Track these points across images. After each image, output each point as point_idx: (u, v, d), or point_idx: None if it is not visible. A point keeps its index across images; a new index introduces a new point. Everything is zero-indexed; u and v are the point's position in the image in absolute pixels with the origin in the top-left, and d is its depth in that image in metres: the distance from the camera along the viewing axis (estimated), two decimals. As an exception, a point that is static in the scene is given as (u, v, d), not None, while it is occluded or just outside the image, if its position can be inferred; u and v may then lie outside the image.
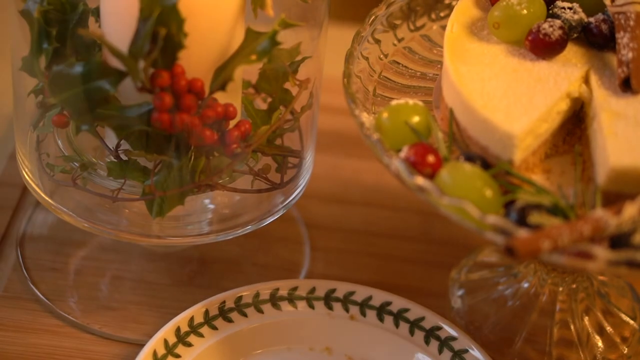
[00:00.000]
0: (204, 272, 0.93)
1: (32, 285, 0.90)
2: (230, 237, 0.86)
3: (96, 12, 0.82)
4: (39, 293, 0.90)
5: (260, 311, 0.86)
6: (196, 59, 0.77)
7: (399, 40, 0.91)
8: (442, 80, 0.85)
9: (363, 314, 0.87)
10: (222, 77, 0.78)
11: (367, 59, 0.87)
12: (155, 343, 0.82)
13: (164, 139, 0.78)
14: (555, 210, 0.73)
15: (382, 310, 0.88)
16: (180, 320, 0.84)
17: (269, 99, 0.86)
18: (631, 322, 0.92)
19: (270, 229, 0.93)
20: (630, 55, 0.79)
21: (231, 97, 0.81)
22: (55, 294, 0.90)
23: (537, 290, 0.90)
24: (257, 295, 0.87)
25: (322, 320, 0.87)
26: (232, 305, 0.86)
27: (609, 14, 0.84)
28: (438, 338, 0.86)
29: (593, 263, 0.68)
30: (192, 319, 0.84)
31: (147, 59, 0.75)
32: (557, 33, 0.82)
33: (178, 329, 0.84)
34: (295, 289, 0.88)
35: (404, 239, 1.00)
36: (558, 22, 0.82)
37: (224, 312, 0.86)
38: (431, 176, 0.74)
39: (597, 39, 0.84)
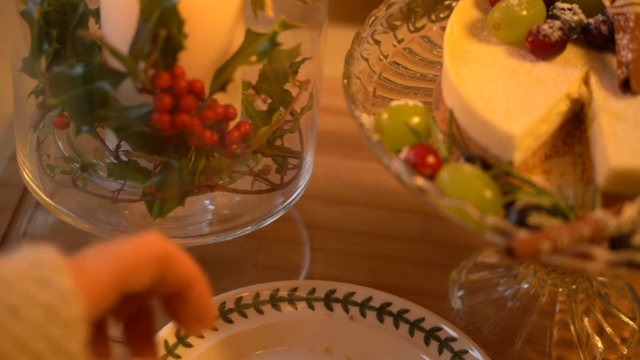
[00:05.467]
0: (203, 273, 0.93)
1: (32, 286, 0.90)
2: (230, 238, 0.86)
3: (96, 13, 0.82)
4: (39, 294, 0.90)
5: (260, 312, 0.86)
6: (196, 60, 0.77)
7: (399, 41, 0.91)
8: (442, 81, 0.85)
9: (363, 314, 0.88)
10: (222, 78, 0.78)
11: (367, 60, 0.87)
12: (155, 344, 0.82)
13: (164, 140, 0.78)
14: (555, 211, 0.73)
15: (382, 311, 0.88)
16: (181, 321, 0.84)
17: (269, 100, 0.86)
18: (631, 323, 0.92)
19: (270, 230, 0.93)
20: (629, 56, 0.80)
21: (231, 98, 0.81)
22: (56, 294, 0.90)
23: (537, 291, 0.90)
24: (257, 296, 0.87)
25: (322, 321, 0.87)
26: (232, 306, 0.86)
27: (609, 15, 0.84)
28: (438, 339, 0.86)
29: (593, 264, 0.68)
30: (192, 320, 0.84)
31: (148, 60, 0.75)
32: (557, 34, 0.82)
33: (178, 330, 0.84)
34: (295, 289, 0.88)
35: (404, 239, 1.00)
36: (558, 23, 0.82)
37: (224, 313, 0.86)
38: (431, 177, 0.74)
39: (597, 40, 0.84)
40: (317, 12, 0.85)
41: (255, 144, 0.82)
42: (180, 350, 0.83)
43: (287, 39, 0.79)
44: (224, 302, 0.86)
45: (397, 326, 0.87)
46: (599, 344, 0.90)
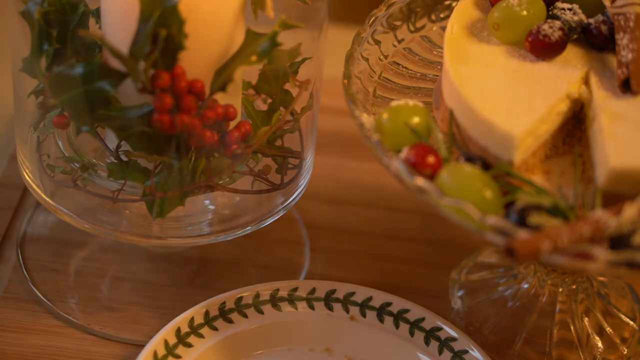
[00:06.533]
0: (204, 273, 0.94)
1: (32, 286, 0.90)
2: (231, 238, 0.86)
3: (97, 13, 0.82)
4: (39, 294, 0.90)
5: (261, 312, 0.87)
6: (196, 60, 0.77)
7: (399, 41, 0.91)
8: (442, 81, 0.85)
9: (363, 314, 0.88)
10: (222, 78, 0.78)
11: (367, 60, 0.87)
12: (155, 344, 0.82)
13: (164, 140, 0.78)
14: (555, 211, 0.73)
15: (382, 311, 0.88)
16: (181, 320, 0.84)
17: (269, 100, 0.86)
18: (631, 323, 0.92)
19: (270, 230, 0.93)
20: (629, 56, 0.80)
21: (231, 98, 0.81)
22: (56, 294, 0.90)
23: (537, 291, 0.90)
24: (257, 296, 0.87)
25: (322, 321, 0.87)
26: (232, 306, 0.86)
27: (609, 15, 0.84)
28: (438, 339, 0.86)
29: (593, 264, 0.68)
30: (192, 320, 0.84)
31: (148, 60, 0.75)
32: (557, 34, 0.82)
33: (178, 330, 0.84)
34: (295, 289, 0.88)
35: (404, 239, 1.00)
36: (558, 23, 0.82)
37: (224, 313, 0.86)
38: (431, 177, 0.74)
39: (597, 40, 0.84)
40: (317, 12, 0.85)
41: (255, 144, 0.82)
42: (180, 350, 0.83)
43: (287, 39, 0.79)
44: (224, 302, 0.86)
45: (397, 326, 0.87)
46: (599, 344, 0.90)
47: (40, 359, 0.85)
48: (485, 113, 0.78)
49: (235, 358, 0.85)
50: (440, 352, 0.85)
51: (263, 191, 0.86)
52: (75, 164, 0.84)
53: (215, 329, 0.85)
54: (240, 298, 0.87)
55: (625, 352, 0.90)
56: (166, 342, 0.83)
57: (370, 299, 0.88)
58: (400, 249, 0.99)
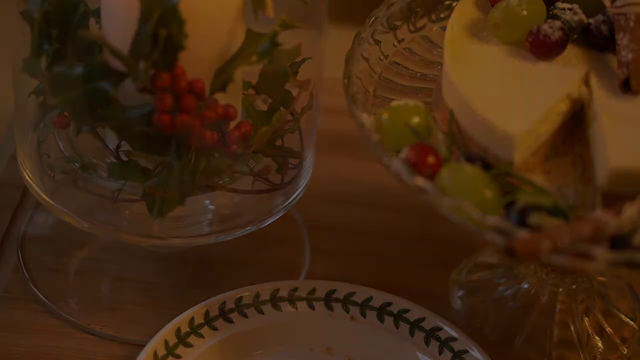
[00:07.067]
0: (204, 273, 0.94)
1: (32, 286, 0.90)
2: (231, 237, 0.86)
3: (97, 13, 0.82)
4: (39, 294, 0.90)
5: (261, 312, 0.87)
6: (197, 60, 0.77)
7: (399, 41, 0.91)
8: (442, 81, 0.85)
9: (363, 314, 0.88)
10: (222, 78, 0.78)
11: (367, 59, 0.87)
12: (155, 344, 0.82)
13: (164, 140, 0.78)
14: (555, 211, 0.73)
15: (382, 311, 0.88)
16: (181, 320, 0.84)
17: (270, 100, 0.86)
18: (631, 323, 0.92)
19: (270, 230, 0.93)
20: (630, 56, 0.80)
21: (231, 98, 0.81)
22: (56, 294, 0.90)
23: (537, 291, 0.90)
24: (257, 296, 0.87)
25: (322, 321, 0.87)
26: (232, 306, 0.86)
27: (609, 15, 0.84)
28: (438, 339, 0.86)
29: (593, 264, 0.68)
30: (192, 320, 0.84)
31: (148, 60, 0.75)
32: (557, 34, 0.82)
33: (178, 330, 0.84)
34: (295, 289, 0.88)
35: (404, 239, 1.00)
36: (558, 23, 0.82)
37: (224, 313, 0.86)
38: (431, 177, 0.74)
39: (597, 40, 0.84)
40: (318, 12, 0.85)
41: (256, 144, 0.82)
42: (180, 350, 0.83)
43: (287, 39, 0.79)
44: (224, 302, 0.86)
45: (397, 326, 0.87)
46: (599, 344, 0.90)
47: (40, 359, 0.85)
48: (485, 113, 0.78)
49: (235, 358, 0.85)
50: (440, 352, 0.85)
51: (263, 191, 0.86)
52: (76, 164, 0.84)
53: (215, 329, 0.85)
54: (240, 298, 0.87)
55: (625, 352, 0.90)
56: (166, 342, 0.83)
57: (370, 299, 0.88)
58: (400, 249, 0.99)
